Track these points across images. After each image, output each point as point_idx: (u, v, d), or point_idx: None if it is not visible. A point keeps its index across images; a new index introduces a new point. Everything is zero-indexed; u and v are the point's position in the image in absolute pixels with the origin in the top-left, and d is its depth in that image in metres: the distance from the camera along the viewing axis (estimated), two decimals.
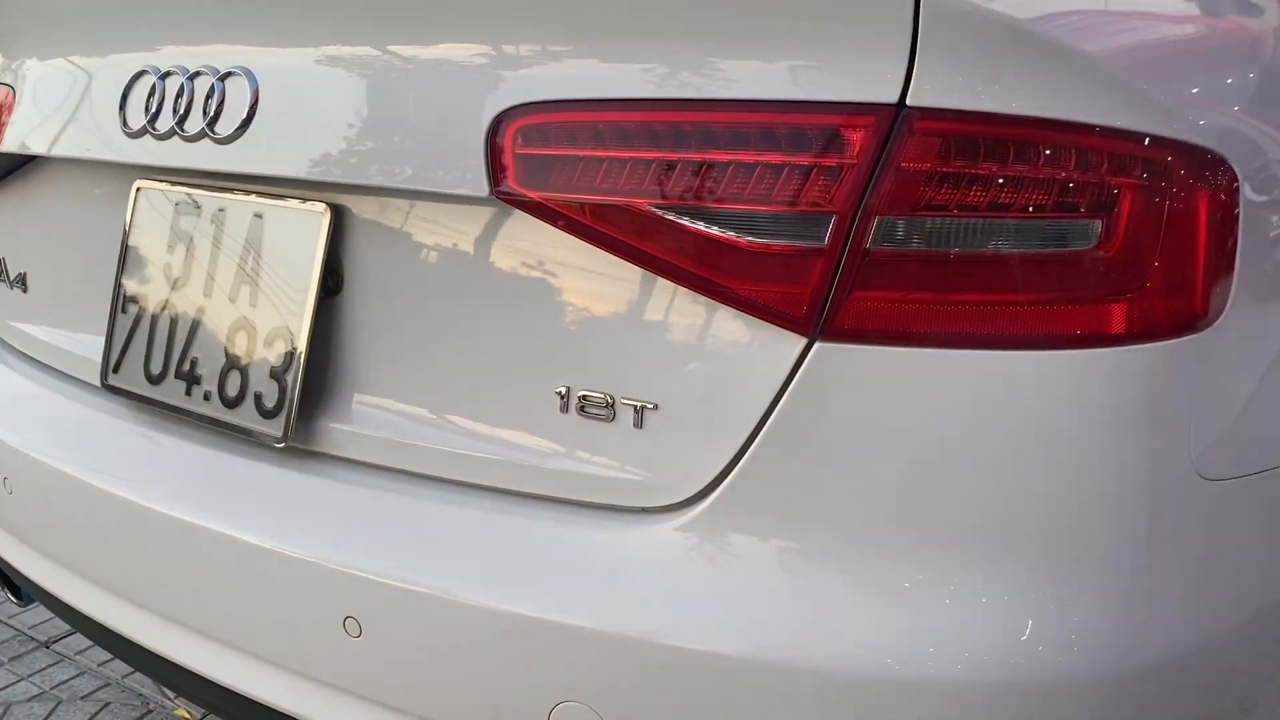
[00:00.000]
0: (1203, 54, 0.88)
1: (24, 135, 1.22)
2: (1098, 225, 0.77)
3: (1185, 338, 0.79)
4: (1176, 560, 0.82)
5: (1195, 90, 0.83)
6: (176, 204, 1.09)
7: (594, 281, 0.85)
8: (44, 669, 1.90)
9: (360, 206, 0.97)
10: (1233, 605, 0.87)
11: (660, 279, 0.82)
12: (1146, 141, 0.77)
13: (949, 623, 0.78)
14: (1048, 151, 0.76)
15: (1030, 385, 0.77)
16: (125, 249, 1.14)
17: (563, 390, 0.88)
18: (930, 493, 0.78)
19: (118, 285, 1.14)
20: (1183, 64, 0.84)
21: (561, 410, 0.88)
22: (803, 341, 0.78)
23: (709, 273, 0.80)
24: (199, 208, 1.07)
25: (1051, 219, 0.77)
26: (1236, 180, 0.82)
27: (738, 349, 0.81)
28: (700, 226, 0.80)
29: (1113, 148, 0.77)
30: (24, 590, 1.37)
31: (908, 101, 0.76)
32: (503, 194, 0.85)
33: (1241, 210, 0.82)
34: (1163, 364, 0.78)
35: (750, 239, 0.79)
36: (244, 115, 0.98)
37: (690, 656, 0.80)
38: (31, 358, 1.31)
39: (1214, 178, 0.80)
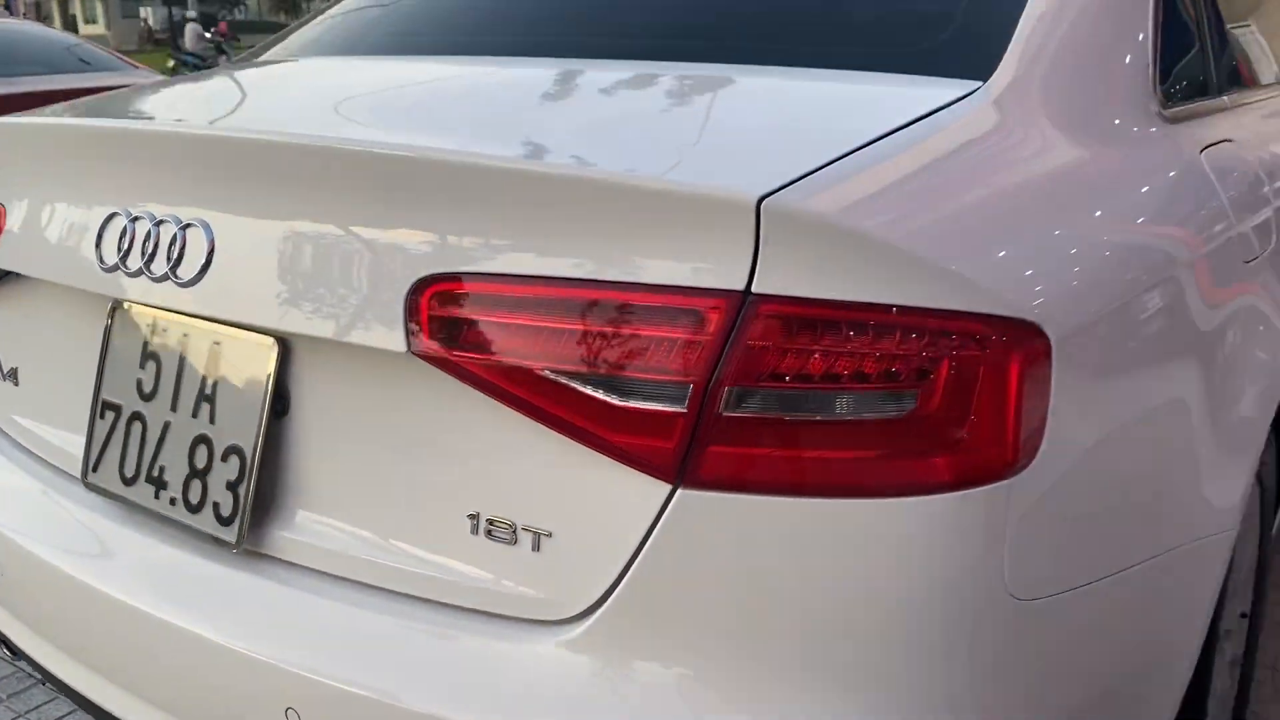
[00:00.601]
0: (1018, 230, 1.00)
1: (11, 254, 1.36)
2: (918, 392, 0.90)
3: (999, 483, 0.93)
4: (992, 667, 0.95)
5: (1010, 267, 0.96)
6: (148, 325, 1.23)
7: (498, 425, 0.99)
8: (40, 705, 2.05)
9: (304, 343, 1.11)
10: (1045, 704, 1.00)
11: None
12: (960, 318, 0.91)
13: None
14: (873, 330, 0.90)
15: (861, 526, 0.91)
16: (104, 360, 1.27)
17: (474, 515, 1.01)
18: (775, 622, 0.92)
19: (97, 392, 1.28)
20: (998, 242, 0.97)
21: (472, 532, 1.02)
22: (668, 488, 0.92)
23: (591, 427, 0.94)
24: (167, 331, 1.21)
25: (877, 388, 0.90)
26: (1049, 344, 0.95)
27: (616, 490, 0.95)
28: (584, 388, 0.93)
29: (930, 324, 0.90)
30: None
31: (753, 289, 0.89)
32: (416, 351, 0.99)
33: (1055, 368, 0.96)
34: (978, 505, 0.92)
35: (624, 401, 0.92)
36: (201, 263, 1.12)
37: None
38: (23, 446, 1.45)
39: (1026, 344, 0.94)
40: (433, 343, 0.98)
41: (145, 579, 1.19)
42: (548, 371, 0.94)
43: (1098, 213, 1.10)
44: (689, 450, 0.91)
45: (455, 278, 0.98)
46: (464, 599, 1.02)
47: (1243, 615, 1.74)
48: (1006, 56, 1.21)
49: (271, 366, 1.11)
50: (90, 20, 68.37)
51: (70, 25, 70.87)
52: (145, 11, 61.40)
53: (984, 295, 0.92)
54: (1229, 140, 1.49)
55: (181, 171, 1.15)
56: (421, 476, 1.05)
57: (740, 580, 0.92)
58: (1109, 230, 1.10)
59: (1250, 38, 2.03)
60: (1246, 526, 1.48)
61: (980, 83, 1.17)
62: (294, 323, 1.06)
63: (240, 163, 1.11)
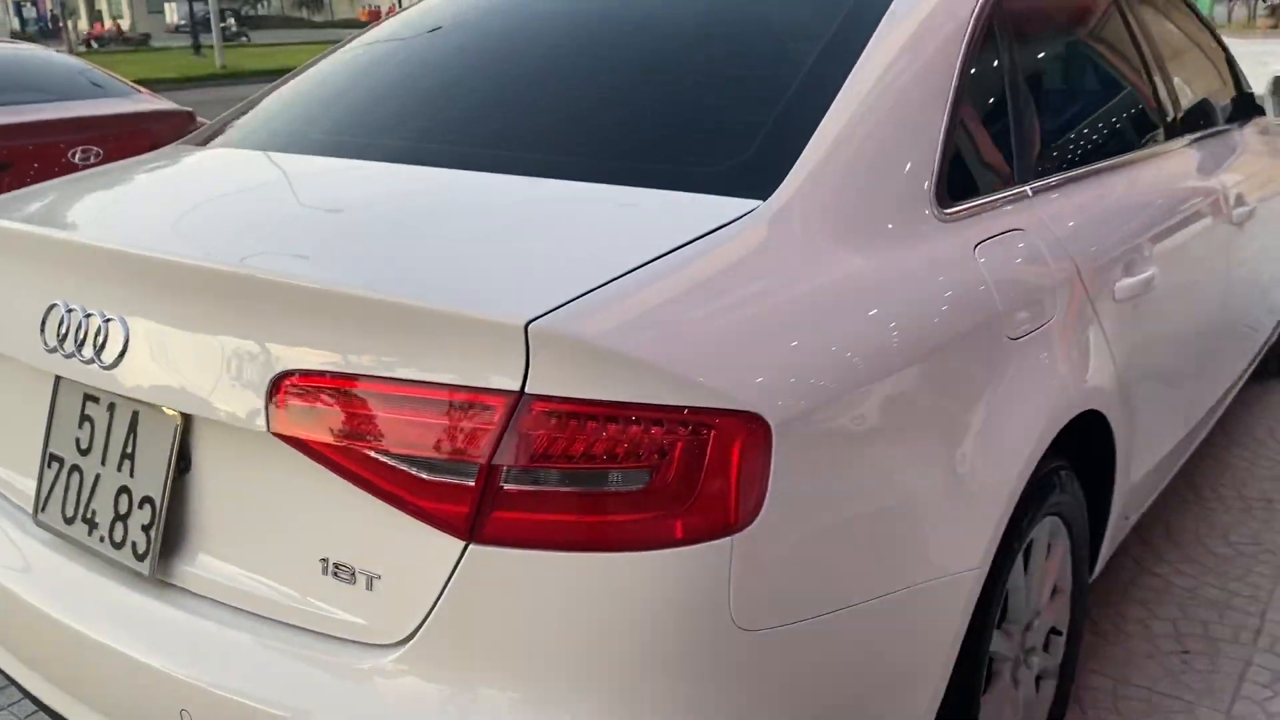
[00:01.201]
0: (754, 338, 1.25)
1: None
2: (656, 469, 1.16)
3: (722, 539, 1.18)
4: (723, 681, 1.21)
5: (738, 369, 1.21)
6: (84, 394, 1.50)
7: (338, 490, 1.25)
8: (20, 699, 2.33)
9: (199, 418, 1.38)
10: (776, 712, 1.26)
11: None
12: (690, 411, 1.16)
13: None
14: (621, 422, 1.15)
15: (613, 575, 1.17)
16: (51, 419, 1.55)
17: (324, 559, 1.28)
18: (547, 648, 1.18)
19: (45, 445, 1.55)
20: (731, 350, 1.22)
21: (323, 573, 1.28)
22: (462, 544, 1.18)
23: (404, 494, 1.20)
24: (98, 400, 1.48)
25: (624, 467, 1.16)
26: (769, 428, 1.21)
27: (425, 544, 1.21)
28: (397, 465, 1.20)
29: (665, 417, 1.16)
30: None
31: (526, 390, 1.15)
32: (273, 432, 1.25)
33: (776, 447, 1.21)
34: (705, 556, 1.18)
35: (429, 475, 1.19)
36: (119, 351, 1.39)
37: None
38: None
39: (747, 430, 1.19)
40: (285, 426, 1.25)
41: (79, 601, 1.46)
42: (370, 451, 1.21)
43: (840, 315, 1.35)
44: (477, 515, 1.17)
45: (304, 374, 1.24)
46: (316, 625, 1.29)
47: (1056, 633, 1.99)
48: (789, 176, 1.46)
49: (175, 435, 1.38)
50: (116, 16, 69.14)
51: (96, 19, 71.65)
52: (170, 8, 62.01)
53: (710, 393, 1.17)
54: (1018, 230, 1.74)
55: (103, 275, 1.42)
56: (286, 527, 1.31)
57: (520, 616, 1.18)
58: (847, 330, 1.34)
59: (1134, 97, 2.27)
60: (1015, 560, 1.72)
61: (759, 201, 1.42)
62: (189, 403, 1.33)
63: (143, 274, 1.38)
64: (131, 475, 1.43)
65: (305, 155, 1.79)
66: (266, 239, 1.41)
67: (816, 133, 1.53)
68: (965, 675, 1.58)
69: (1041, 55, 2.04)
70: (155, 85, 13.17)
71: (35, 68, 5.53)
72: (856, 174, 1.52)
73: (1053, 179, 1.90)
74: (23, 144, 4.96)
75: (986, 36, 1.85)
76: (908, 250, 1.52)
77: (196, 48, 32.84)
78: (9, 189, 2.31)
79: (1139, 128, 2.28)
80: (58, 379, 1.53)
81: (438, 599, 1.21)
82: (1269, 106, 3.16)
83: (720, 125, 1.60)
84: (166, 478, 1.39)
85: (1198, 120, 2.66)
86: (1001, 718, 1.78)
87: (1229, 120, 3.05)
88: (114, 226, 1.57)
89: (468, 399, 1.17)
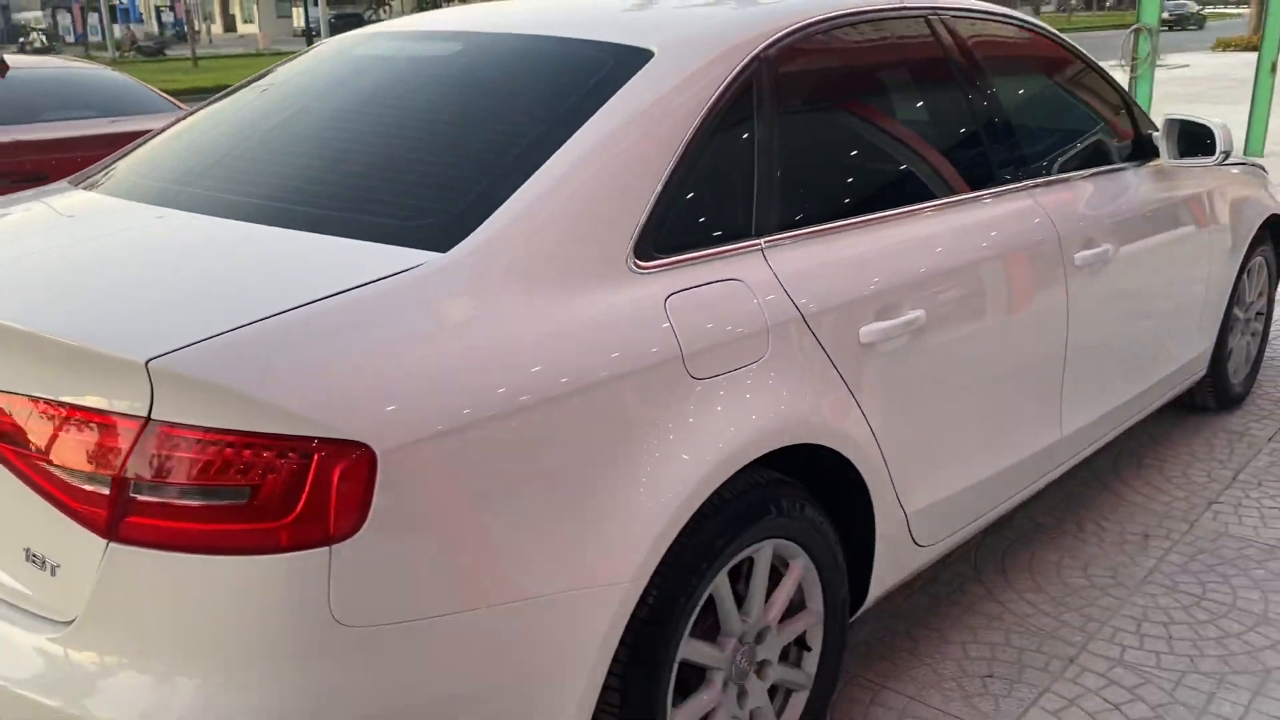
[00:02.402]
0: (368, 375, 1.46)
1: None
2: (263, 486, 1.38)
3: (323, 548, 1.40)
4: (324, 666, 1.43)
5: (348, 402, 1.42)
6: None
7: (29, 493, 1.50)
8: None
9: None
10: (381, 695, 1.47)
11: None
12: (295, 439, 1.38)
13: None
14: (234, 447, 1.38)
15: (230, 574, 1.39)
16: None
17: (26, 549, 1.54)
18: (176, 630, 1.41)
19: None
20: (343, 385, 1.43)
21: (26, 560, 1.54)
22: (104, 542, 1.43)
23: (67, 500, 1.45)
24: None
25: (236, 484, 1.38)
26: (374, 455, 1.42)
27: (82, 540, 1.45)
28: (60, 474, 1.45)
29: (273, 443, 1.38)
30: None
31: (152, 416, 1.39)
32: None
33: (381, 469, 1.42)
34: (307, 562, 1.39)
35: (81, 484, 1.43)
36: None
37: (44, 710, 1.46)
38: None
39: (351, 455, 1.41)
40: None
41: None
42: (40, 461, 1.46)
43: (482, 354, 1.54)
44: (114, 518, 1.42)
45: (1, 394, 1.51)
46: (21, 603, 1.55)
47: (806, 648, 2.14)
48: (475, 232, 1.67)
49: None
50: (248, 20, 72.30)
51: (230, 25, 74.99)
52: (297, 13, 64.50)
53: (313, 424, 1.39)
54: (734, 280, 1.90)
55: None
56: (5, 521, 1.58)
57: (156, 605, 1.42)
58: (484, 366, 1.53)
59: (917, 153, 2.40)
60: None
61: (438, 254, 1.64)
62: None
63: None
64: None
65: (117, 198, 2.06)
66: (9, 283, 1.67)
67: (515, 195, 1.73)
68: (643, 680, 1.75)
69: (803, 122, 2.18)
70: None
71: (87, 84, 6.03)
72: (552, 232, 1.72)
73: (792, 234, 2.05)
74: (65, 156, 5.43)
75: (735, 110, 2.02)
76: (593, 299, 1.71)
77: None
78: None
79: (917, 182, 2.39)
80: None
81: (95, 587, 1.45)
82: (1163, 148, 3.21)
83: (433, 186, 1.81)
84: None
85: (1042, 166, 2.75)
86: None
87: (1121, 161, 3.12)
88: None
89: (106, 421, 1.41)
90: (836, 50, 2.33)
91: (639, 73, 1.98)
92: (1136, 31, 10.90)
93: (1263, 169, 4.26)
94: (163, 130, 2.47)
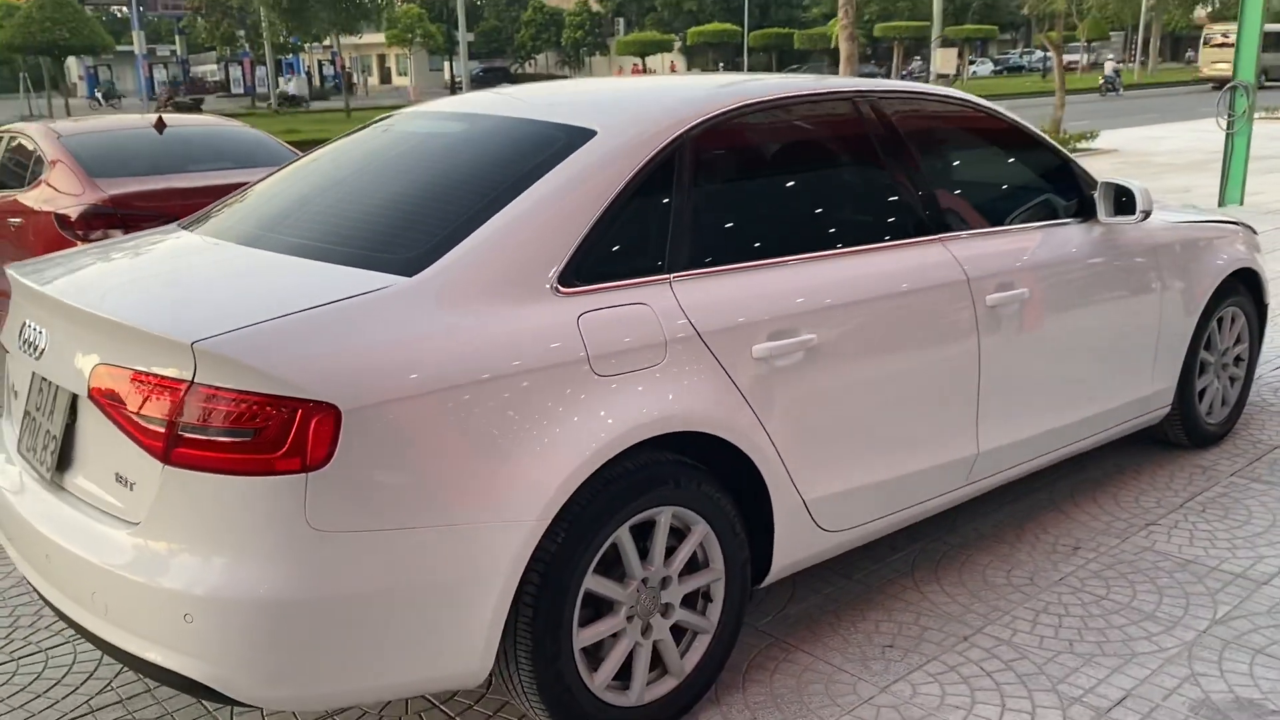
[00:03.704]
0: (342, 356, 2.11)
1: None
2: (265, 430, 2.05)
3: (301, 474, 2.05)
4: (300, 560, 2.07)
5: (325, 374, 2.07)
6: (40, 376, 2.54)
7: (119, 433, 2.21)
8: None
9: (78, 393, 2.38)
10: (342, 585, 2.10)
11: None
12: (286, 399, 2.05)
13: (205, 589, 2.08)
14: (248, 403, 2.05)
15: (246, 489, 2.06)
16: (29, 392, 2.60)
17: (117, 472, 2.24)
18: (215, 530, 2.09)
19: (25, 407, 2.61)
20: (320, 362, 2.08)
21: (116, 481, 2.24)
22: (161, 465, 2.11)
23: (140, 436, 2.14)
24: (46, 380, 2.51)
25: (248, 426, 2.05)
26: (340, 412, 2.07)
27: (149, 464, 2.14)
28: (134, 416, 2.14)
29: (271, 400, 2.05)
30: None
31: (195, 380, 2.08)
32: (87, 396, 2.24)
33: (345, 422, 2.07)
34: (291, 483, 2.05)
35: (146, 423, 2.12)
36: (43, 350, 2.42)
37: (127, 581, 2.15)
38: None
39: (324, 411, 2.06)
40: (94, 394, 2.23)
41: (23, 497, 2.50)
42: (126, 409, 2.16)
43: (425, 346, 2.18)
44: (167, 449, 2.10)
45: (103, 363, 2.22)
46: (112, 510, 2.25)
47: (708, 599, 2.69)
48: (436, 263, 2.32)
49: (69, 400, 2.39)
50: (402, 73, 76.37)
51: (386, 78, 79.26)
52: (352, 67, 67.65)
53: (299, 388, 2.05)
54: (641, 304, 2.50)
55: (43, 307, 2.47)
56: (105, 456, 2.28)
57: (196, 510, 2.10)
58: (426, 356, 2.17)
59: (830, 206, 2.97)
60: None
61: (405, 278, 2.29)
62: (73, 383, 2.32)
63: (53, 308, 2.42)
64: (51, 422, 2.45)
65: (201, 235, 2.81)
66: (115, 290, 2.41)
67: (469, 237, 2.38)
68: (551, 600, 2.34)
69: (720, 186, 2.78)
70: None
71: (226, 139, 7.02)
72: (494, 264, 2.36)
73: (697, 271, 2.63)
74: (202, 202, 6.38)
75: (656, 176, 2.62)
76: (520, 313, 2.33)
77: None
78: None
79: (818, 232, 2.93)
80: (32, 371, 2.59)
81: (155, 501, 2.14)
82: (1100, 208, 3.65)
83: (413, 229, 2.48)
84: (62, 425, 2.40)
85: (958, 221, 3.25)
86: (617, 649, 2.52)
87: (1056, 217, 3.60)
88: (48, 276, 2.61)
89: (164, 382, 2.11)
90: (758, 128, 2.93)
91: (581, 148, 2.61)
92: (1233, 89, 11.02)
93: (1250, 228, 4.62)
94: (251, 184, 3.22)
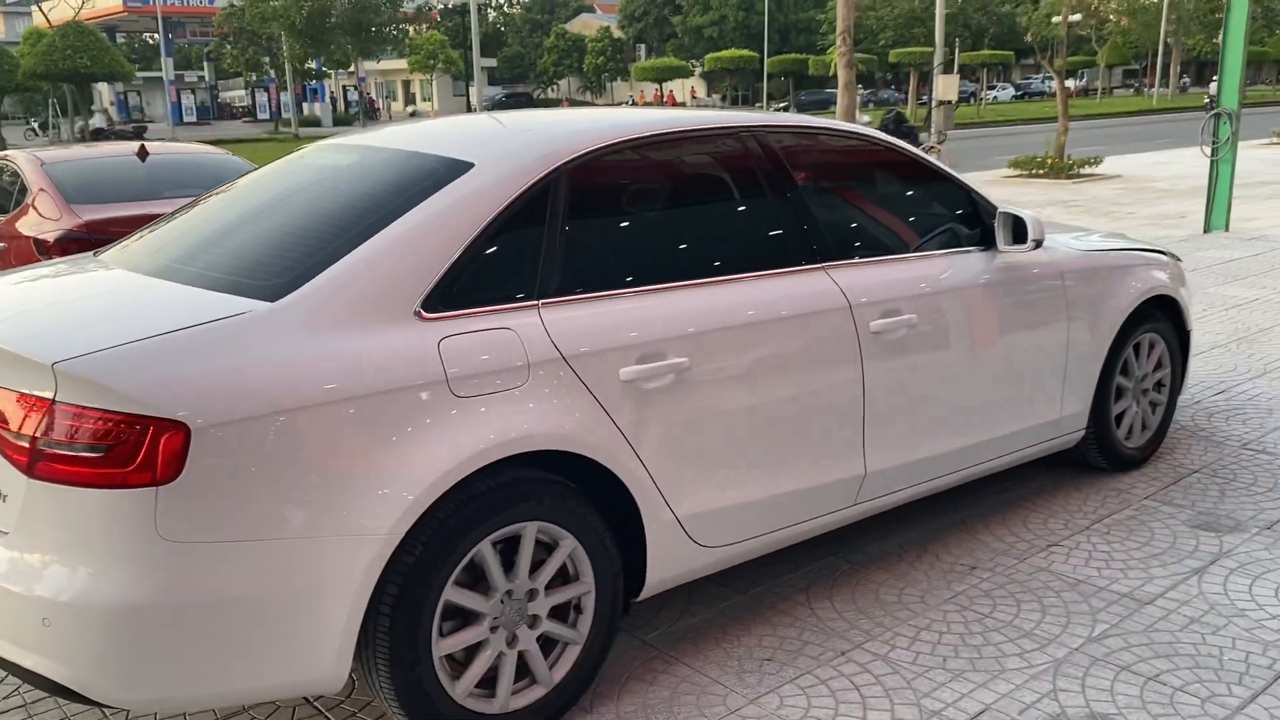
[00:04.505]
0: (191, 376, 2.25)
1: None
2: (116, 446, 2.19)
3: (150, 488, 2.19)
4: (149, 567, 2.21)
5: (175, 394, 2.22)
6: None
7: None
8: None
9: None
10: (193, 591, 2.24)
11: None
12: (137, 417, 2.19)
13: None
14: (101, 420, 2.19)
15: (101, 501, 2.20)
16: None
17: None
18: (68, 541, 2.23)
19: None
20: (172, 383, 2.23)
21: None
22: (25, 480, 2.26)
23: (8, 450, 2.29)
24: None
25: (102, 443, 2.20)
26: (189, 430, 2.21)
27: (14, 478, 2.29)
28: (5, 434, 2.29)
29: (122, 418, 2.19)
30: None
31: (56, 399, 2.22)
32: None
33: (195, 439, 2.21)
34: (142, 496, 2.19)
35: (14, 440, 2.27)
36: None
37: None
38: None
39: (173, 429, 2.20)
40: None
41: None
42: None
43: (276, 368, 2.32)
44: (31, 463, 2.24)
45: None
46: None
47: (578, 610, 2.81)
48: (297, 291, 2.47)
49: None
50: (426, 98, 77.33)
51: (410, 102, 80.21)
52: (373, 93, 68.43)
53: (150, 407, 2.20)
54: (505, 329, 2.63)
55: None
56: None
57: (55, 520, 2.24)
58: (277, 375, 2.31)
59: (701, 237, 3.10)
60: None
61: (268, 303, 2.44)
62: None
63: None
64: None
65: (105, 263, 2.97)
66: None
67: (335, 264, 2.53)
68: (409, 610, 2.46)
69: (595, 217, 2.92)
70: None
71: (203, 166, 7.24)
72: (358, 290, 2.50)
73: (567, 298, 2.76)
74: None
75: (530, 208, 2.76)
76: (380, 337, 2.47)
77: None
78: None
79: (692, 262, 3.05)
80: None
81: (20, 509, 2.28)
82: (998, 237, 3.76)
83: (283, 256, 2.63)
84: None
85: (844, 249, 3.37)
86: (481, 658, 2.64)
87: (953, 246, 3.71)
88: None
89: (29, 400, 2.26)
90: (637, 162, 3.07)
91: (457, 180, 2.76)
92: (1216, 116, 11.08)
93: (1175, 257, 4.71)
94: (162, 217, 3.38)
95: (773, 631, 3.27)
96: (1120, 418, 4.43)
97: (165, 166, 7.25)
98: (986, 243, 3.80)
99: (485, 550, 2.60)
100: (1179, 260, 4.74)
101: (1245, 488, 4.29)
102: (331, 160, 3.19)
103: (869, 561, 3.74)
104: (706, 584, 3.50)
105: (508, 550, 2.68)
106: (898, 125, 17.36)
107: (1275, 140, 22.94)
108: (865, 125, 4.95)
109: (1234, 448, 4.76)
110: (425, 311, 2.56)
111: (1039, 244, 3.68)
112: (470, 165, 2.81)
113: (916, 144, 14.92)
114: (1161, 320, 4.49)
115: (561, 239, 2.81)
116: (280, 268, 2.58)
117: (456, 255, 2.63)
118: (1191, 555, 3.70)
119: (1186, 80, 62.84)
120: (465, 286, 2.63)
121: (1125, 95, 65.13)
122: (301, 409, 2.32)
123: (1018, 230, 3.73)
